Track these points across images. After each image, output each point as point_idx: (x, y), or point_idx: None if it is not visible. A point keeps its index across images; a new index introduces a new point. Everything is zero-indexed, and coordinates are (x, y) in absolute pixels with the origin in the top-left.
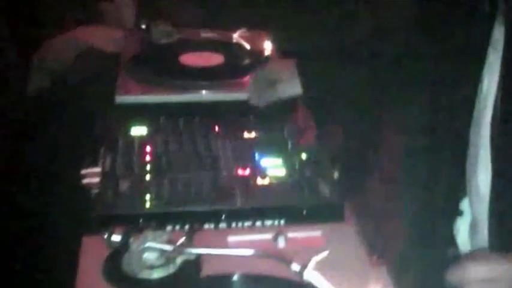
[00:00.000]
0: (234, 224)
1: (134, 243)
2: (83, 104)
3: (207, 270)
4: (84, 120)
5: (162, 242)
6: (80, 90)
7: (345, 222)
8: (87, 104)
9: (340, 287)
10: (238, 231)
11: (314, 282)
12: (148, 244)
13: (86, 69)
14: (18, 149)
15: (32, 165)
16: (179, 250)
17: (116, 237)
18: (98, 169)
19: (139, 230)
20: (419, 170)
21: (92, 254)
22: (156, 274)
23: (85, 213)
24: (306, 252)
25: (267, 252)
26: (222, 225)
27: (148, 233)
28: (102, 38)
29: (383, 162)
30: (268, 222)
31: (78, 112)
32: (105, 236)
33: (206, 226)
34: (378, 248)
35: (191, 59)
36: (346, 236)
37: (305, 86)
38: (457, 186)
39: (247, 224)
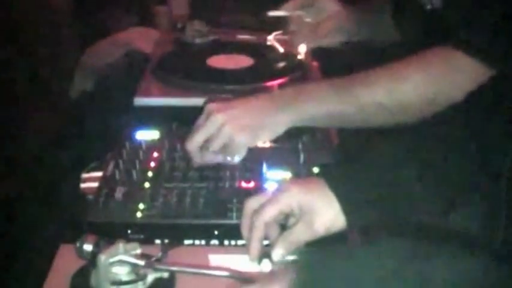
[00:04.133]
0: (227, 242)
1: (104, 256)
2: (113, 107)
3: None
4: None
5: (134, 256)
6: (118, 93)
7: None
8: (115, 107)
9: None
10: (221, 250)
11: None
12: (119, 257)
13: (127, 71)
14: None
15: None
16: (151, 266)
17: (88, 247)
18: (98, 174)
19: (112, 241)
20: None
21: (65, 264)
22: None
23: (78, 220)
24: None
25: (242, 275)
26: (214, 241)
27: (120, 245)
28: (141, 39)
29: None
30: (266, 242)
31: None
32: (77, 245)
33: (197, 242)
34: None
35: (220, 61)
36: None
37: None
38: None
39: (241, 242)
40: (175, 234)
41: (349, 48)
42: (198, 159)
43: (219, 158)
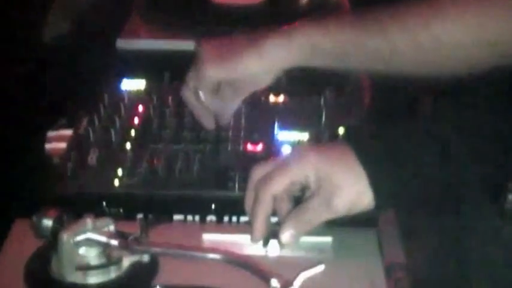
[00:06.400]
0: (226, 218)
1: (67, 233)
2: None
3: (162, 278)
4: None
5: (105, 234)
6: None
7: (377, 229)
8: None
9: None
10: (219, 228)
11: None
12: (86, 235)
13: (110, 10)
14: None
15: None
16: (127, 246)
17: (47, 222)
18: (68, 132)
19: (78, 215)
20: None
21: (19, 244)
22: (93, 279)
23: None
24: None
25: (238, 260)
26: (211, 218)
27: (88, 220)
28: None
29: None
30: (274, 219)
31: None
32: (34, 220)
33: (190, 218)
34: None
35: None
36: (365, 248)
37: None
38: None
39: (244, 219)
40: (163, 208)
41: None
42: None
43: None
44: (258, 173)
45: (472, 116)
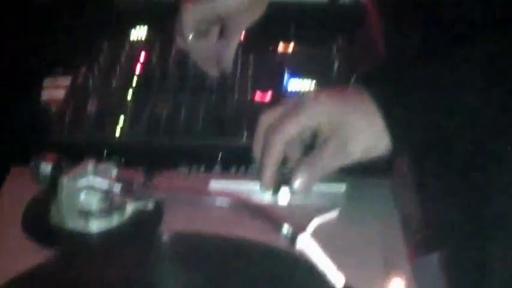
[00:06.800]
0: (234, 169)
1: (68, 178)
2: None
3: (167, 226)
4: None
5: (108, 179)
6: None
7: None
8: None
9: (346, 266)
10: (227, 176)
11: (308, 253)
12: (88, 180)
13: None
14: None
15: None
16: (131, 192)
17: (46, 168)
18: (66, 80)
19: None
20: None
21: (16, 192)
22: (94, 226)
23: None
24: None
25: (248, 205)
26: (217, 168)
27: (89, 165)
28: None
29: None
30: (286, 170)
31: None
32: (32, 165)
33: (195, 169)
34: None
35: None
36: (379, 197)
37: None
38: None
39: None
40: (166, 159)
41: None
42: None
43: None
44: (267, 118)
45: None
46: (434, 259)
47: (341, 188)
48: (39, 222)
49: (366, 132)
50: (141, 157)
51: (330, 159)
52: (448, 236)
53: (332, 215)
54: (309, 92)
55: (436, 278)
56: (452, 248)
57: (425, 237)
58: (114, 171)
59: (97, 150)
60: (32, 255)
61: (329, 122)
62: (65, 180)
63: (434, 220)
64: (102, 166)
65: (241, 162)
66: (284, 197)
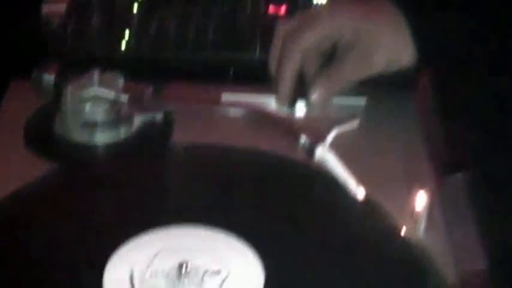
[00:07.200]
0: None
1: (72, 88)
2: None
3: (177, 139)
4: None
5: (115, 90)
6: None
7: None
8: None
9: (366, 179)
10: (241, 90)
11: (327, 165)
12: (94, 90)
13: None
14: None
15: None
16: (139, 103)
17: (49, 77)
18: None
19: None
20: None
21: (17, 106)
22: (101, 138)
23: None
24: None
25: (263, 114)
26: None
27: (95, 74)
28: None
29: None
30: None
31: None
32: (33, 75)
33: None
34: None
35: None
36: (401, 111)
37: None
38: None
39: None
40: (175, 73)
41: None
42: None
43: None
44: (285, 28)
45: None
46: (459, 179)
47: (361, 101)
48: (43, 134)
49: (390, 42)
50: (148, 72)
51: (352, 70)
52: (473, 156)
53: (352, 125)
54: (326, 3)
55: (460, 198)
56: (477, 168)
57: (449, 156)
58: (121, 82)
59: (101, 66)
60: (34, 169)
61: (351, 30)
62: (69, 90)
63: (459, 138)
64: (109, 76)
65: (254, 77)
66: (301, 110)
